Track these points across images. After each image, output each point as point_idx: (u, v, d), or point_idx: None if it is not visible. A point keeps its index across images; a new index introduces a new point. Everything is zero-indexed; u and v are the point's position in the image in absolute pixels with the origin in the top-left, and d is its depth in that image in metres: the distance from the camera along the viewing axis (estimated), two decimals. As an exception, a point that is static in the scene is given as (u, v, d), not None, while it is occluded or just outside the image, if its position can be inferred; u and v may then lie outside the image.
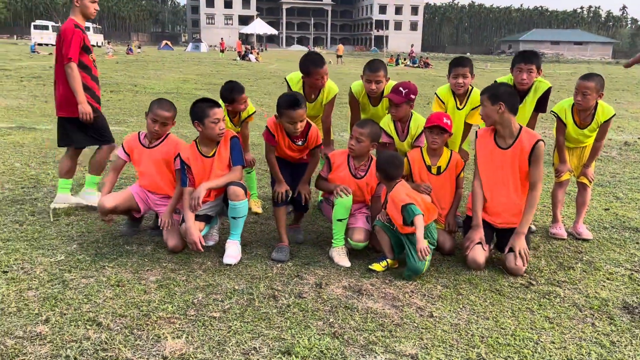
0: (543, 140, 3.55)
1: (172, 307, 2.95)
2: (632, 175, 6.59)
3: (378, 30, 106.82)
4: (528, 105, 4.20)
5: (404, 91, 3.93)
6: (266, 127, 3.86)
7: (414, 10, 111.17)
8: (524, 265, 3.51)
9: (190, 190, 3.62)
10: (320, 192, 4.11)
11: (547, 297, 3.27)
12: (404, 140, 4.12)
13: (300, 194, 3.92)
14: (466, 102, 4.31)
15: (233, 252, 3.59)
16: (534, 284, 3.43)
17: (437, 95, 4.40)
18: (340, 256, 3.64)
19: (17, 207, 4.55)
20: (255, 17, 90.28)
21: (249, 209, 4.64)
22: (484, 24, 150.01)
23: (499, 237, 3.76)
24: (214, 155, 3.65)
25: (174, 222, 3.72)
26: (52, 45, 51.36)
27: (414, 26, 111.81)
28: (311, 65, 4.19)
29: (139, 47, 44.54)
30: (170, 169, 3.85)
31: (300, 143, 3.91)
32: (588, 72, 4.28)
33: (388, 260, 3.56)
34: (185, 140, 4.07)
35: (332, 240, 3.73)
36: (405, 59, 44.67)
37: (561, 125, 4.26)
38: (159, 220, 3.75)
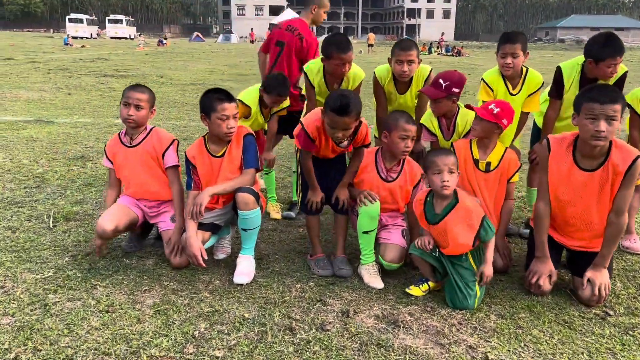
0: None
1: (167, 341, 2.44)
2: None
3: (410, 19, 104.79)
4: None
5: (444, 84, 3.29)
6: (303, 130, 3.09)
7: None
8: (602, 302, 2.86)
9: (195, 194, 3.10)
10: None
11: (629, 332, 2.62)
12: (450, 139, 3.49)
13: (338, 199, 3.22)
14: (521, 87, 3.60)
15: (245, 268, 3.06)
16: (611, 314, 2.78)
17: (483, 80, 3.71)
18: (370, 275, 3.06)
19: (14, 210, 4.13)
20: (285, 7, 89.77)
21: (267, 214, 4.11)
22: (519, 11, 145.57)
23: (571, 256, 3.09)
24: (223, 154, 3.12)
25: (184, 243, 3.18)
26: (87, 38, 52.13)
27: (446, 14, 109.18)
28: (333, 48, 3.56)
29: (165, 39, 44.36)
30: (161, 167, 3.32)
31: (345, 144, 3.17)
32: (631, 58, 3.52)
33: (429, 282, 2.96)
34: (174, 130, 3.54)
35: (360, 257, 3.16)
36: (437, 47, 43.39)
37: (635, 118, 3.55)
38: (167, 241, 3.23)
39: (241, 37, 64.58)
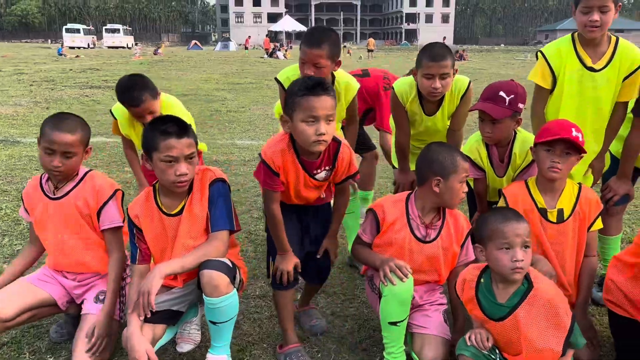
0: None
1: None
2: None
3: (408, 24, 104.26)
4: None
5: (507, 98, 2.36)
6: (262, 161, 2.22)
7: (446, 2, 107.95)
8: None
9: (141, 271, 2.15)
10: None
11: None
12: (503, 175, 2.55)
13: (326, 255, 2.44)
14: (610, 60, 2.46)
15: (217, 378, 2.11)
16: None
17: (542, 54, 2.55)
18: (400, 384, 2.11)
19: None
20: (284, 14, 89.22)
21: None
22: (518, 14, 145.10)
23: None
24: (181, 212, 2.17)
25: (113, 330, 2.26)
26: (84, 48, 51.47)
27: (445, 18, 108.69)
28: (305, 41, 2.64)
29: (159, 48, 43.41)
30: (95, 227, 2.36)
31: (322, 175, 2.30)
32: None
33: (487, 398, 2.01)
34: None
35: (384, 354, 2.20)
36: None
37: None
38: (86, 332, 2.24)
39: (239, 44, 63.96)
